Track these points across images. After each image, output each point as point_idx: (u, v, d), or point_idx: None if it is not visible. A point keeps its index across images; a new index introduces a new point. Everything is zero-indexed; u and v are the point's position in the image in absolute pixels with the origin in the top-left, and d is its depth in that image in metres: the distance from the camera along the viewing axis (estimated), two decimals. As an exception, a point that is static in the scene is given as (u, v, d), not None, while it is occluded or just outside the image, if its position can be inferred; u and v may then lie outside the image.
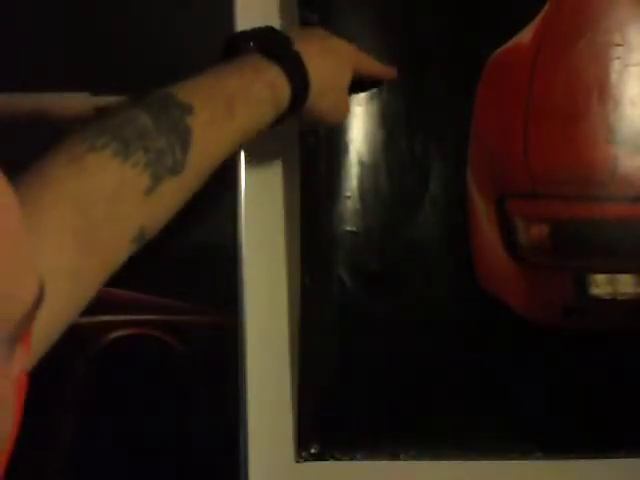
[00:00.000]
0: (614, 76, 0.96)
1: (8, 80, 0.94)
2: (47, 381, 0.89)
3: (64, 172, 0.67)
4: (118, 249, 0.70)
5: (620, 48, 0.96)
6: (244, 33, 0.86)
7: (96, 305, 0.95)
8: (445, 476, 1.01)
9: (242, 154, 0.97)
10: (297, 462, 0.99)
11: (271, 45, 0.82)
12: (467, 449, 0.99)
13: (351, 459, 0.99)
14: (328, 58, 0.86)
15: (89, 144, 0.69)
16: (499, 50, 0.96)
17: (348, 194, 0.96)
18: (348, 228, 0.96)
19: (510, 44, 0.96)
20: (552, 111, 0.96)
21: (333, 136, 0.96)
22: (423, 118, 0.97)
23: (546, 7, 0.96)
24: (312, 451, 0.98)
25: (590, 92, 0.96)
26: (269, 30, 0.85)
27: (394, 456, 0.99)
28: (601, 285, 0.97)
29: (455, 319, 0.97)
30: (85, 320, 0.90)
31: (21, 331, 0.39)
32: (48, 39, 0.95)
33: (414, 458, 0.99)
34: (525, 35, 0.96)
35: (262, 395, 0.98)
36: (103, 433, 0.94)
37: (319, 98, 0.85)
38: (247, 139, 0.81)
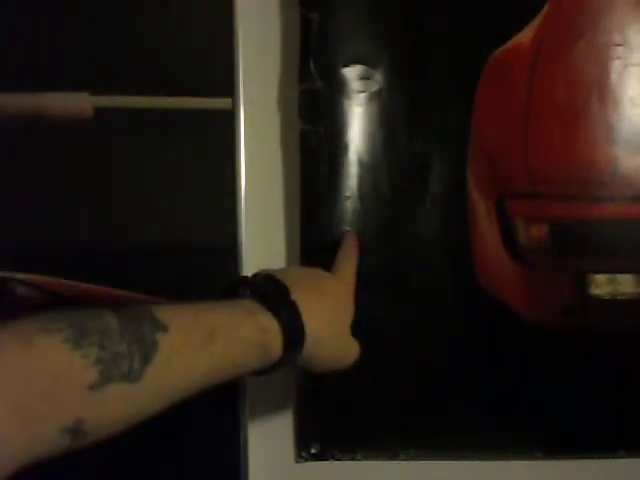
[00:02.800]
0: (614, 76, 0.96)
1: (8, 80, 0.94)
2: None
3: (11, 343, 0.65)
4: (50, 432, 0.67)
5: (620, 48, 0.96)
6: (244, 279, 0.85)
7: (98, 305, 0.95)
8: (445, 476, 1.01)
9: (242, 154, 0.97)
10: (297, 462, 0.99)
11: (267, 293, 0.80)
12: (467, 449, 0.99)
13: (351, 459, 0.99)
14: (326, 306, 0.85)
15: (43, 325, 0.67)
16: (499, 50, 0.96)
17: (348, 194, 0.96)
18: (348, 228, 0.96)
19: (510, 44, 0.96)
20: (552, 111, 0.96)
21: (333, 136, 0.96)
22: (423, 118, 0.97)
23: (546, 7, 0.96)
24: (312, 451, 0.98)
25: (590, 92, 0.96)
26: (267, 278, 0.83)
27: (394, 456, 0.99)
28: (601, 285, 0.97)
29: (455, 319, 0.97)
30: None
31: None
32: (48, 39, 0.95)
33: (414, 458, 0.99)
34: (525, 35, 0.96)
35: (262, 395, 0.98)
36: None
37: (318, 347, 0.83)
38: (222, 376, 0.77)
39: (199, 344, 0.74)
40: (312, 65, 0.95)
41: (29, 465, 0.65)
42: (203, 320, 0.75)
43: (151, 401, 0.72)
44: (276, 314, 0.79)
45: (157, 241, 0.97)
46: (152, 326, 0.71)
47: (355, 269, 0.92)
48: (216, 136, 0.97)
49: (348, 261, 0.93)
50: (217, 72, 0.97)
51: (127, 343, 0.69)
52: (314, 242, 0.95)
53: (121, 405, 0.70)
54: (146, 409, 0.72)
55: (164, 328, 0.72)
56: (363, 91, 0.96)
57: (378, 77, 0.96)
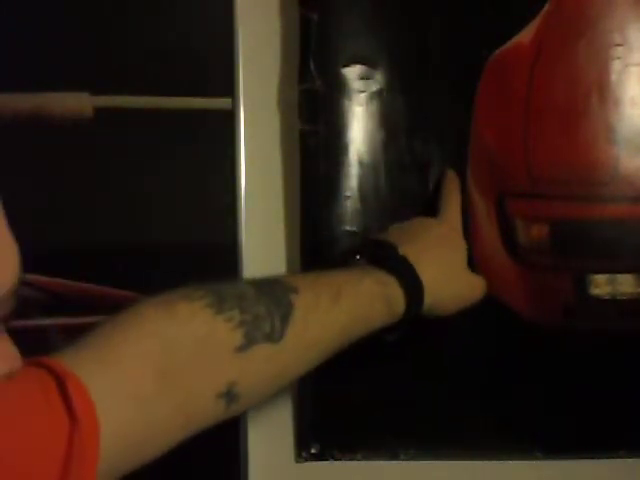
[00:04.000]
0: (614, 76, 0.96)
1: (8, 80, 0.94)
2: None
3: (154, 313, 0.67)
4: (201, 400, 0.68)
5: (620, 48, 0.96)
6: (352, 249, 0.87)
7: (98, 305, 0.95)
8: (445, 476, 1.01)
9: (242, 154, 0.97)
10: (297, 462, 0.99)
11: (378, 255, 0.83)
12: (467, 449, 0.99)
13: (351, 459, 0.99)
14: (436, 252, 0.87)
15: (184, 293, 0.69)
16: (499, 50, 0.96)
17: (348, 194, 0.96)
18: (348, 228, 0.96)
19: (510, 44, 0.96)
20: (552, 111, 0.96)
21: (333, 136, 0.96)
22: (423, 118, 0.97)
23: (546, 7, 0.96)
24: (312, 451, 0.98)
25: (590, 92, 0.96)
26: (374, 242, 0.86)
27: (394, 456, 0.99)
28: (601, 285, 0.96)
29: (455, 319, 0.97)
30: (88, 319, 0.90)
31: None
32: (48, 39, 0.95)
33: (414, 458, 0.99)
34: (525, 35, 0.96)
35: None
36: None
37: (438, 293, 0.85)
38: (355, 332, 0.79)
39: (329, 301, 0.76)
40: (312, 65, 0.95)
41: (188, 439, 0.65)
42: (327, 280, 0.78)
43: (293, 361, 0.74)
44: (391, 270, 0.81)
45: (157, 241, 0.97)
46: (283, 289, 0.73)
47: (459, 208, 0.93)
48: (216, 136, 0.97)
49: (451, 202, 0.93)
50: (217, 72, 0.97)
51: (265, 305, 0.71)
52: (314, 242, 0.95)
53: (267, 366, 0.72)
54: (289, 370, 0.74)
55: (295, 289, 0.74)
56: (363, 91, 0.96)
57: (378, 77, 0.96)
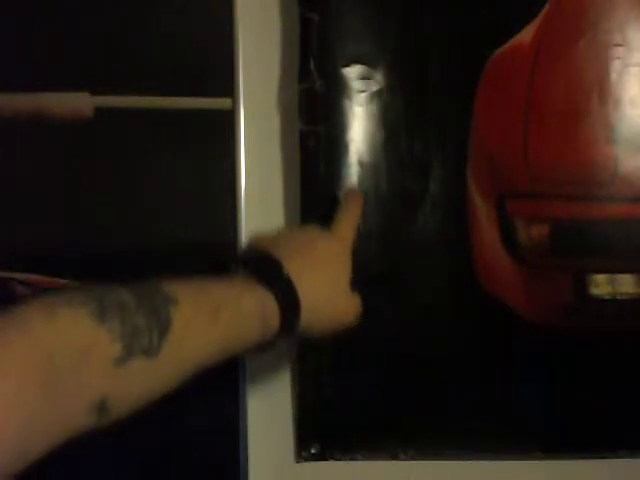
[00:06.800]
0: (614, 76, 0.96)
1: (8, 80, 0.94)
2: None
3: (36, 318, 0.65)
4: (77, 410, 0.66)
5: (620, 48, 0.96)
6: (237, 256, 0.86)
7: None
8: (445, 476, 1.01)
9: (242, 154, 0.97)
10: (297, 462, 0.99)
11: (262, 271, 0.81)
12: (467, 449, 0.99)
13: (351, 459, 0.99)
14: (320, 270, 0.86)
15: (66, 299, 0.67)
16: (499, 50, 0.96)
17: (348, 194, 0.96)
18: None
19: (510, 44, 0.96)
20: (552, 111, 0.96)
21: (333, 136, 0.96)
22: (423, 118, 0.97)
23: (546, 7, 0.96)
24: (312, 451, 0.98)
25: (590, 92, 0.96)
26: (260, 255, 0.84)
27: (394, 456, 0.99)
28: (601, 285, 0.96)
29: (455, 319, 0.97)
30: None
31: None
32: (48, 39, 0.95)
33: (414, 458, 0.99)
34: (525, 35, 0.96)
35: (262, 395, 0.98)
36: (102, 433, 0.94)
37: (315, 313, 0.84)
38: (229, 350, 0.78)
39: (207, 317, 0.74)
40: (312, 65, 0.95)
41: (56, 449, 0.65)
42: (208, 294, 0.76)
43: (168, 375, 0.73)
44: (272, 290, 0.80)
45: (157, 241, 0.97)
46: (163, 299, 0.72)
47: (354, 225, 0.92)
48: (216, 136, 0.97)
49: (347, 218, 0.92)
50: (217, 72, 0.97)
51: (145, 317, 0.70)
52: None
53: (142, 381, 0.70)
54: (163, 384, 0.73)
55: (174, 301, 0.72)
56: (363, 91, 0.96)
57: (378, 77, 0.96)
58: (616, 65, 0.96)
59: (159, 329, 0.70)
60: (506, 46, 0.96)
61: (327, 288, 0.86)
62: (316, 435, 0.98)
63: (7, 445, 0.61)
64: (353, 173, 0.96)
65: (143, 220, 0.97)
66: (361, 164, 0.96)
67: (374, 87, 0.96)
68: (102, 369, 0.67)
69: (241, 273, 0.82)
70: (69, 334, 0.66)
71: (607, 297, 0.97)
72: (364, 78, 0.96)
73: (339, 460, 0.99)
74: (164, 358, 0.71)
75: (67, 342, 0.65)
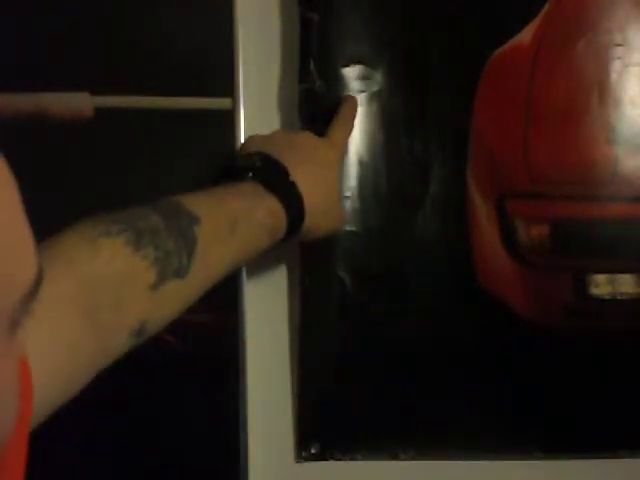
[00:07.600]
0: (614, 76, 0.96)
1: (8, 80, 0.94)
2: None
3: (76, 251, 0.67)
4: (118, 339, 0.69)
5: (620, 48, 0.96)
6: (245, 162, 0.87)
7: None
8: (445, 476, 1.01)
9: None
10: (297, 462, 0.99)
11: (270, 178, 0.84)
12: (467, 449, 0.99)
13: (351, 459, 0.99)
14: (320, 177, 0.89)
15: (104, 228, 0.69)
16: (499, 50, 0.96)
17: (348, 194, 0.96)
18: (348, 228, 0.96)
19: (510, 44, 0.96)
20: (552, 111, 0.96)
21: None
22: (423, 118, 0.97)
23: (546, 7, 0.96)
24: (312, 451, 0.98)
25: (590, 92, 0.96)
26: (266, 160, 0.86)
27: (394, 456, 0.99)
28: (601, 285, 0.97)
29: (455, 319, 0.97)
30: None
31: (21, 313, 0.39)
32: (48, 39, 0.95)
33: (414, 458, 0.99)
34: (525, 35, 0.96)
35: (262, 395, 0.98)
36: (102, 433, 0.94)
37: (314, 219, 0.87)
38: (243, 260, 0.82)
39: (226, 233, 0.77)
40: (312, 65, 0.95)
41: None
42: (224, 208, 0.79)
43: (195, 292, 0.75)
44: (280, 198, 0.83)
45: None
46: (188, 219, 0.74)
47: (348, 134, 0.94)
48: (216, 136, 0.97)
49: (342, 126, 0.94)
50: (217, 72, 0.97)
51: (174, 239, 0.72)
52: (314, 243, 0.95)
53: (174, 301, 0.73)
54: (191, 301, 0.75)
55: (197, 220, 0.75)
56: (363, 91, 0.96)
57: (378, 77, 0.96)
58: (616, 65, 0.96)
59: (187, 250, 0.73)
60: (506, 46, 0.96)
61: (327, 198, 0.89)
62: (316, 435, 0.98)
63: (56, 378, 0.63)
64: (353, 173, 0.96)
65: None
66: (361, 164, 0.96)
67: (374, 87, 0.96)
68: (140, 297, 0.69)
69: (249, 179, 0.84)
70: (110, 266, 0.68)
71: (607, 297, 0.97)
72: (364, 78, 0.96)
73: (339, 460, 0.99)
74: (192, 277, 0.73)
75: (108, 274, 0.68)
